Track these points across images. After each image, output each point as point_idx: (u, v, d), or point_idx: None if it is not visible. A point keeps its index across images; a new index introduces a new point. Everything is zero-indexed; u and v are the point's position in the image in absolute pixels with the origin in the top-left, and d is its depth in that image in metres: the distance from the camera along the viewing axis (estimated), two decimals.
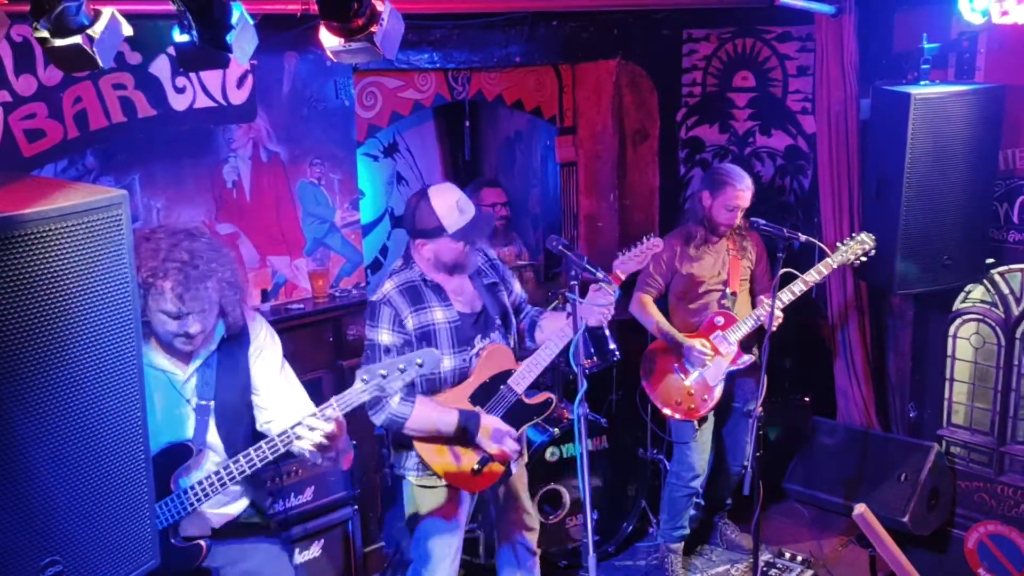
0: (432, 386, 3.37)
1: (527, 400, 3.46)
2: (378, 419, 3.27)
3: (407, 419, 3.24)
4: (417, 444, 3.37)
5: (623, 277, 3.48)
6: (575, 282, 3.07)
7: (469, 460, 3.37)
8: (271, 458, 2.79)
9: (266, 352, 2.98)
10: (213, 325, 2.81)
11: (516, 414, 3.43)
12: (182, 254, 2.68)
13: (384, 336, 3.26)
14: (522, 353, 3.57)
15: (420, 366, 2.74)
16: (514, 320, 3.58)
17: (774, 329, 4.00)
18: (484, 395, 3.40)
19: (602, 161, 6.00)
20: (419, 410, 3.25)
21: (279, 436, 2.76)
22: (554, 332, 3.43)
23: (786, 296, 4.11)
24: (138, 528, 2.21)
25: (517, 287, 3.65)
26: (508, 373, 3.43)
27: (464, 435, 3.31)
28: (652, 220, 5.96)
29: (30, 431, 1.93)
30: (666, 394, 4.38)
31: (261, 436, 2.88)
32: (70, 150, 3.64)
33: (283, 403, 2.95)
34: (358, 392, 2.73)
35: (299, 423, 2.72)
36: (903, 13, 4.64)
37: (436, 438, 3.34)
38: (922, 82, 4.15)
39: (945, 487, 4.60)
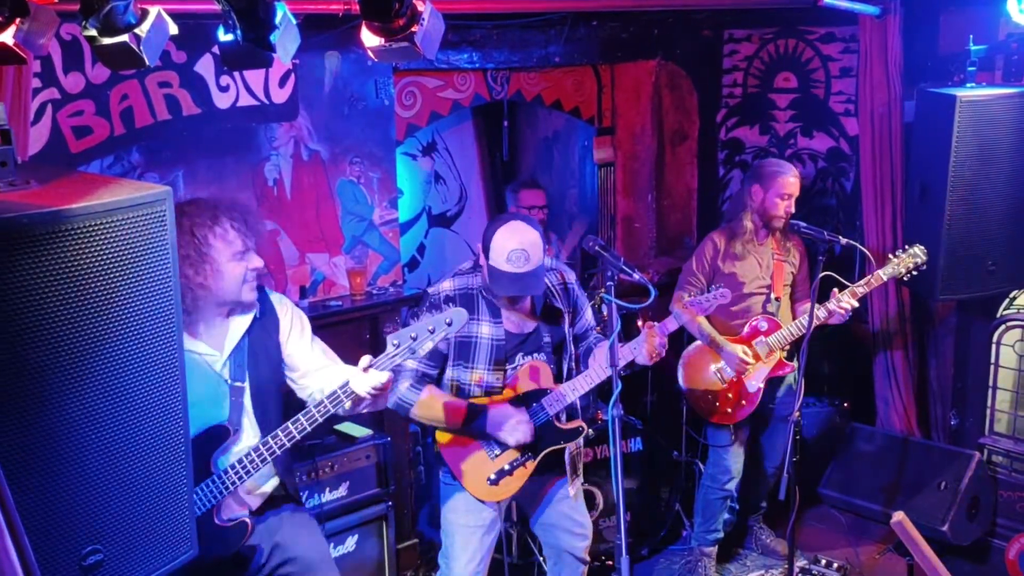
0: (461, 396, 3.40)
1: (558, 423, 3.45)
2: (389, 402, 3.34)
3: (413, 405, 3.33)
4: (441, 445, 3.42)
5: (687, 318, 3.48)
6: (611, 283, 3.06)
7: (488, 469, 3.39)
8: (309, 429, 2.85)
9: (295, 330, 3.06)
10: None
11: (543, 435, 3.41)
12: (218, 202, 2.89)
13: None
14: (576, 373, 3.55)
15: (449, 325, 2.77)
16: (572, 348, 3.54)
17: (845, 320, 4.03)
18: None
19: (640, 162, 5.98)
20: (425, 398, 3.33)
21: (315, 407, 2.83)
22: (601, 363, 3.40)
23: (848, 305, 4.03)
24: (178, 518, 2.24)
25: (588, 315, 3.60)
26: (544, 392, 3.42)
27: (472, 426, 3.33)
28: (690, 222, 5.93)
29: (74, 420, 1.97)
30: (703, 398, 4.35)
31: (293, 412, 2.94)
32: (116, 147, 3.71)
33: (322, 373, 3.03)
34: (390, 356, 2.78)
35: (344, 385, 2.81)
36: (949, 14, 4.57)
37: (460, 441, 3.38)
38: (968, 84, 4.08)
39: (986, 497, 4.52)
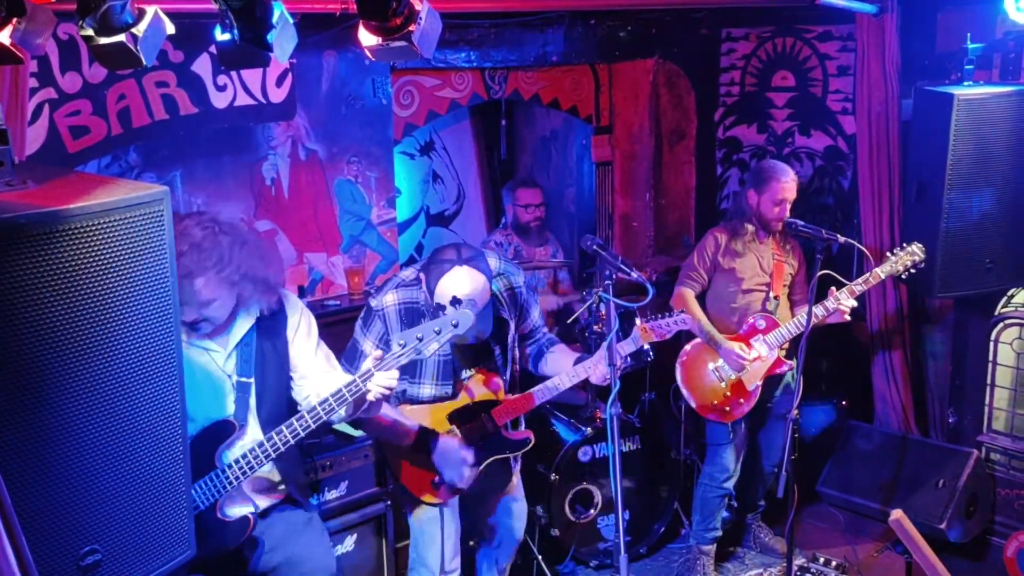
0: (411, 404, 3.40)
1: (505, 433, 3.45)
2: (336, 414, 3.27)
3: (367, 419, 3.20)
4: (384, 445, 3.44)
5: (652, 335, 3.48)
6: (610, 282, 3.06)
7: (431, 473, 3.38)
8: (313, 426, 2.85)
9: (302, 330, 3.05)
10: (229, 313, 2.86)
11: (490, 444, 3.42)
12: (191, 249, 2.70)
13: (368, 347, 3.25)
14: (520, 381, 3.56)
15: (455, 327, 2.76)
16: (517, 353, 3.52)
17: (846, 318, 4.05)
18: (463, 417, 3.40)
19: (638, 161, 5.98)
20: (376, 420, 3.26)
21: (320, 405, 2.83)
22: (553, 382, 3.41)
23: (846, 304, 4.04)
24: (176, 518, 2.24)
25: (535, 314, 3.56)
26: (494, 403, 3.42)
27: (420, 450, 3.32)
28: (687, 220, 5.93)
29: (72, 420, 1.97)
30: (701, 396, 4.34)
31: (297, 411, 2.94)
32: (114, 146, 3.71)
33: (321, 379, 3.02)
34: (396, 356, 2.78)
35: (350, 384, 2.80)
36: (946, 12, 4.58)
37: (401, 451, 3.38)
38: (965, 83, 4.08)
39: (984, 494, 4.53)
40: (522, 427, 3.57)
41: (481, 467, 3.41)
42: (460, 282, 3.09)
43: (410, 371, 3.31)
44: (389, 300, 3.26)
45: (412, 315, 3.25)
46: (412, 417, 3.36)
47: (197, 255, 2.71)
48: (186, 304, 2.69)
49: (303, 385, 3.06)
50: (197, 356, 2.86)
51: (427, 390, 3.37)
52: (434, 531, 3.44)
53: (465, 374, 3.42)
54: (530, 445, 3.51)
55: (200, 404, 2.85)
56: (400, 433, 3.32)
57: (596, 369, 3.30)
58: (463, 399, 3.40)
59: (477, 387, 3.41)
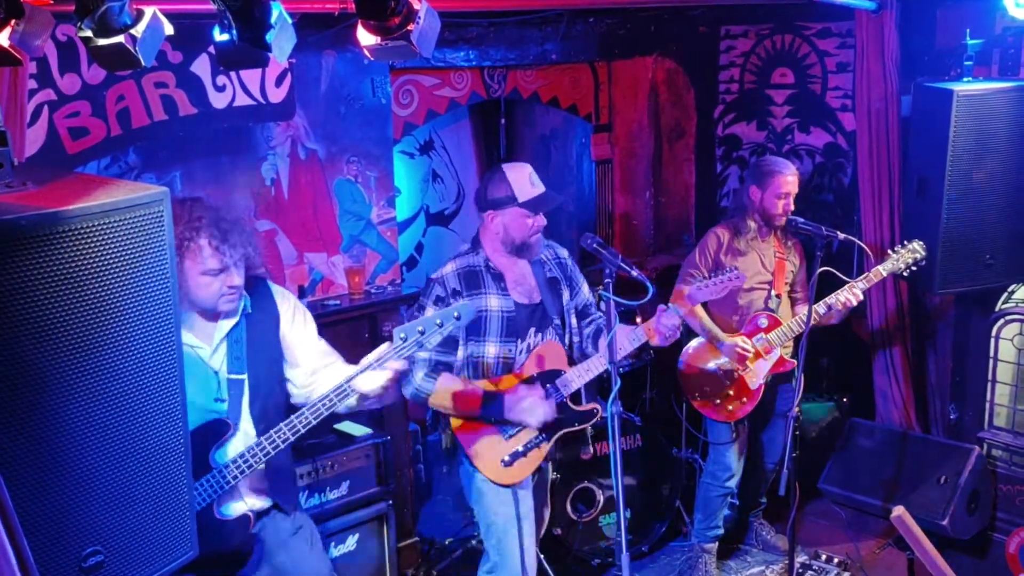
0: (477, 373, 3.41)
1: (572, 405, 3.47)
2: (406, 391, 3.39)
3: (430, 394, 3.34)
4: (456, 428, 3.43)
5: (690, 306, 3.50)
6: (610, 280, 3.06)
7: (501, 451, 3.41)
8: (314, 423, 2.82)
9: (298, 319, 3.04)
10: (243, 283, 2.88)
11: (559, 417, 3.44)
12: (206, 211, 2.78)
13: (430, 311, 3.34)
14: (577, 356, 3.59)
15: (458, 319, 2.75)
16: (574, 322, 3.59)
17: (851, 305, 4.02)
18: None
19: (638, 159, 5.98)
20: (442, 386, 3.33)
21: (320, 400, 2.81)
22: (619, 344, 3.41)
23: (846, 299, 4.04)
24: (178, 518, 2.24)
25: (585, 290, 3.66)
26: (557, 373, 3.45)
27: (490, 412, 3.35)
28: (688, 218, 5.93)
29: (73, 421, 1.97)
30: (704, 395, 4.35)
31: (294, 408, 2.92)
32: (113, 147, 3.71)
33: (329, 372, 3.01)
34: (397, 349, 2.76)
35: (349, 382, 2.79)
36: (946, 9, 4.57)
37: (474, 424, 3.40)
38: (965, 79, 4.08)
39: (986, 490, 4.52)
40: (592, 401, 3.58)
41: (552, 439, 3.45)
42: (518, 167, 3.39)
43: (475, 330, 3.37)
44: (448, 268, 3.42)
45: (471, 277, 3.40)
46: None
47: (219, 219, 2.79)
48: (215, 276, 2.78)
49: (311, 382, 3.02)
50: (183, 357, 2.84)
51: (491, 349, 3.40)
52: (513, 531, 3.44)
53: (529, 337, 3.44)
54: (597, 417, 3.51)
55: (189, 405, 2.82)
56: (468, 398, 3.34)
57: (658, 325, 3.33)
58: (527, 371, 3.44)
59: (539, 361, 3.45)
